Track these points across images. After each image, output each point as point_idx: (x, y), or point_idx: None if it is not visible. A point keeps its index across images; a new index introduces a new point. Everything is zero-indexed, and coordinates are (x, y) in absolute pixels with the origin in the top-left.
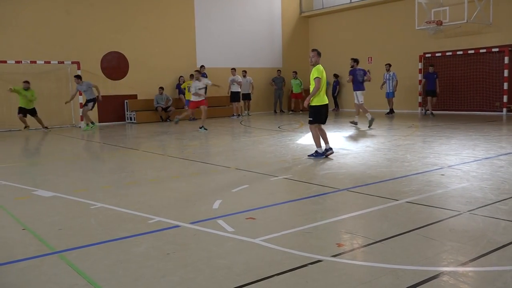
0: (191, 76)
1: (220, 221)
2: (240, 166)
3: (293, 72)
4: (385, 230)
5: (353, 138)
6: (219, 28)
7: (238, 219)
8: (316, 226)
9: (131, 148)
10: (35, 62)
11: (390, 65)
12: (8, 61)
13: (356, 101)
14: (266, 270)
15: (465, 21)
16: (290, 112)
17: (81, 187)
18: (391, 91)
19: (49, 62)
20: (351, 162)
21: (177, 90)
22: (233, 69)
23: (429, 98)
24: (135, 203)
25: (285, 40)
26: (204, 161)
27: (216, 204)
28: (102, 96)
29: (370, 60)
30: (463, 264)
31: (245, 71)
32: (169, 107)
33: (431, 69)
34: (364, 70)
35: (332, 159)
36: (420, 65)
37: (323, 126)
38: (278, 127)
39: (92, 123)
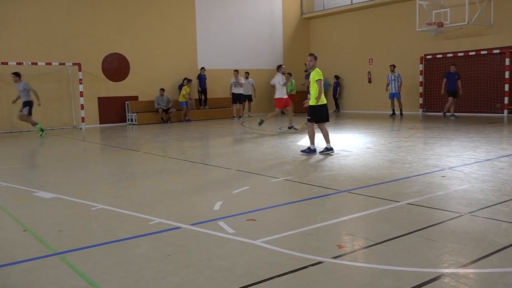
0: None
1: (220, 223)
2: (241, 167)
3: (288, 73)
4: (386, 231)
5: (354, 139)
6: (220, 29)
7: (238, 221)
8: (317, 227)
9: (132, 149)
10: (36, 63)
11: (394, 66)
12: (9, 63)
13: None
14: (267, 272)
15: (466, 22)
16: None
17: (82, 189)
18: (396, 92)
19: (50, 64)
20: (352, 164)
21: (179, 91)
22: (236, 70)
23: (450, 98)
24: (136, 204)
25: (286, 42)
26: (205, 163)
27: (216, 206)
28: (103, 97)
29: (371, 61)
30: (464, 265)
31: (247, 73)
32: (170, 108)
33: (452, 69)
34: None
35: (332, 160)
36: (421, 67)
37: (326, 125)
38: (279, 129)
39: (42, 130)
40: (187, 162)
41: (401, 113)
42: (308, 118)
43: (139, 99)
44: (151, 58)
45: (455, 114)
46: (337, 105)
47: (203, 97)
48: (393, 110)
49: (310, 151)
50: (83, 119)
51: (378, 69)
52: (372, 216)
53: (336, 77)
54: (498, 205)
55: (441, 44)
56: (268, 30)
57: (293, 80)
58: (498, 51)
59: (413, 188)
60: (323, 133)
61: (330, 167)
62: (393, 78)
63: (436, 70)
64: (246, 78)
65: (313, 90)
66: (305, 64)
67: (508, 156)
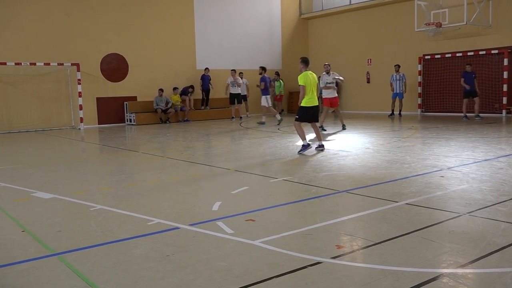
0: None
1: (219, 223)
2: (240, 167)
3: (275, 73)
4: (384, 232)
5: (353, 139)
6: (219, 30)
7: (237, 221)
8: (316, 228)
9: (131, 149)
10: (34, 64)
11: (399, 66)
12: (8, 63)
13: (265, 104)
14: (266, 272)
15: (465, 23)
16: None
17: (81, 189)
18: (400, 92)
19: (48, 64)
20: (350, 164)
21: (180, 92)
22: (233, 70)
23: (465, 100)
24: (134, 205)
25: (284, 42)
26: (204, 163)
27: (215, 206)
28: (102, 97)
29: (369, 62)
30: (463, 266)
31: (241, 73)
32: (168, 108)
33: (468, 68)
34: (269, 78)
35: (331, 160)
36: (419, 67)
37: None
38: (278, 129)
39: None
40: (185, 162)
41: (400, 114)
42: (296, 118)
43: (138, 99)
44: (150, 59)
45: (467, 115)
46: None
47: (205, 97)
48: (393, 110)
49: (304, 147)
50: (81, 120)
51: (377, 69)
52: (371, 216)
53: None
54: (497, 205)
55: (439, 44)
56: (267, 30)
57: (281, 80)
58: (496, 51)
59: (412, 188)
60: (315, 132)
61: (328, 167)
62: (397, 78)
63: (435, 71)
64: (241, 78)
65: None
66: (260, 67)
67: (507, 156)
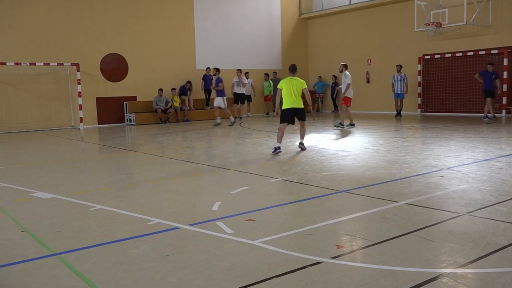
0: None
1: (219, 223)
2: (240, 168)
3: (264, 74)
4: (384, 231)
5: (353, 139)
6: (219, 29)
7: (237, 221)
8: (316, 228)
9: (130, 150)
10: (34, 64)
11: (401, 66)
12: (7, 63)
13: (221, 105)
14: (265, 272)
15: (464, 23)
16: (266, 115)
17: (80, 189)
18: (401, 92)
19: (48, 64)
20: (350, 164)
21: (179, 91)
22: (239, 70)
23: (488, 99)
24: (134, 205)
25: (284, 42)
26: (203, 163)
27: (215, 206)
28: (102, 97)
29: (369, 61)
30: (463, 265)
31: (247, 73)
32: (168, 108)
33: (490, 68)
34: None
35: (331, 160)
36: (419, 67)
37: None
38: (278, 129)
39: None
40: (185, 162)
41: (399, 114)
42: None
43: (138, 99)
44: (150, 59)
45: (495, 115)
46: (335, 106)
47: (208, 97)
48: (397, 111)
49: (275, 149)
50: (81, 120)
51: (377, 69)
52: (370, 216)
53: (334, 77)
54: (497, 205)
55: (439, 44)
56: (267, 30)
57: (270, 81)
58: (496, 51)
59: (412, 188)
60: (300, 131)
61: (328, 167)
62: (398, 79)
63: (435, 71)
64: (247, 78)
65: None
66: (214, 68)
67: (506, 156)
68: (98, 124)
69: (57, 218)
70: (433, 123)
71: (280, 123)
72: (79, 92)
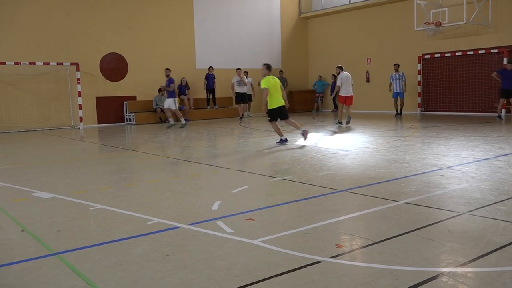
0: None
1: (219, 222)
2: (239, 167)
3: (244, 72)
4: (384, 231)
5: (352, 139)
6: (218, 29)
7: (237, 220)
8: (315, 227)
9: (130, 149)
10: (34, 63)
11: (398, 65)
12: (7, 63)
13: (172, 107)
14: (265, 271)
15: (464, 22)
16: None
17: (80, 189)
18: (400, 91)
19: (48, 64)
20: (350, 163)
21: (178, 91)
22: (239, 69)
23: (502, 100)
24: (134, 204)
25: (284, 41)
26: (203, 162)
27: (215, 205)
28: (102, 97)
29: (369, 61)
30: (462, 265)
31: (246, 72)
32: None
33: (509, 66)
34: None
35: (330, 160)
36: (419, 66)
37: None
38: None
39: None
40: (185, 162)
41: (400, 112)
42: (269, 120)
43: (137, 99)
44: (149, 58)
45: (500, 115)
46: (335, 105)
47: (211, 96)
48: (397, 110)
49: (282, 141)
50: (81, 119)
51: (377, 68)
52: (370, 215)
53: (334, 76)
54: (496, 204)
55: (439, 43)
56: (267, 29)
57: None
58: (496, 50)
59: (412, 188)
60: (290, 124)
61: (328, 166)
62: (397, 78)
63: (435, 70)
64: (246, 77)
65: (269, 96)
66: (166, 69)
67: (506, 155)
68: (98, 124)
69: (57, 217)
70: (433, 123)
71: (271, 121)
72: (79, 92)
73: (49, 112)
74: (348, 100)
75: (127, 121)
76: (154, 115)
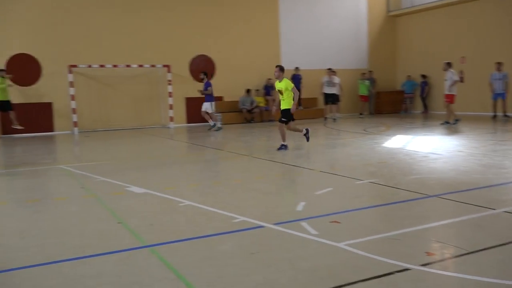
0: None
1: (303, 223)
2: (324, 168)
3: (362, 73)
4: (479, 240)
5: (444, 142)
6: (304, 28)
7: (321, 222)
8: (404, 233)
9: (217, 148)
10: (129, 65)
11: (501, 64)
12: (106, 65)
13: (209, 110)
14: (350, 276)
15: None
16: (361, 115)
17: (170, 185)
18: (502, 92)
19: (142, 66)
20: (441, 167)
21: (264, 91)
22: (329, 69)
23: None
24: (220, 202)
25: (371, 41)
26: (288, 163)
27: (299, 206)
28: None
29: (463, 60)
30: None
31: (334, 72)
32: (254, 108)
33: None
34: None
35: (420, 163)
36: None
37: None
38: (364, 130)
39: None
40: (270, 162)
41: (505, 115)
42: (283, 120)
43: (224, 99)
44: (236, 59)
45: None
46: (425, 106)
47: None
48: (496, 112)
49: (284, 146)
50: (171, 119)
51: (472, 68)
52: (464, 223)
53: (423, 76)
54: None
55: None
56: (353, 28)
57: (367, 80)
58: None
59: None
60: (284, 131)
61: (418, 170)
62: (498, 77)
63: None
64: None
65: (289, 97)
66: (202, 72)
67: None
68: (187, 123)
69: (149, 212)
70: None
71: (288, 122)
72: (170, 93)
73: (142, 112)
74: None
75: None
76: (240, 115)
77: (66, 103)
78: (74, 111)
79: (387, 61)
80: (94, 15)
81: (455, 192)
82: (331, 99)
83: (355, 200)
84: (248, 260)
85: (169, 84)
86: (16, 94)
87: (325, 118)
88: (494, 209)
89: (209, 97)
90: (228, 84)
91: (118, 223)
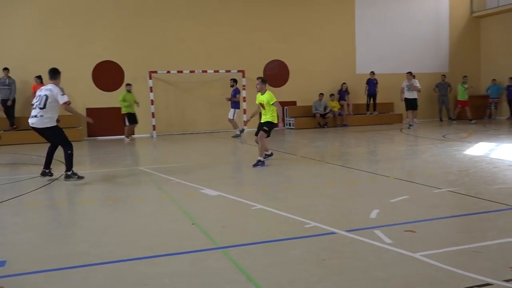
0: None
1: (377, 231)
2: (400, 175)
3: (464, 76)
4: None
5: None
6: (380, 32)
7: (396, 231)
8: (487, 245)
9: (289, 153)
10: (205, 71)
11: None
12: (184, 71)
13: (231, 117)
14: (427, 287)
15: None
16: (454, 121)
17: (243, 189)
18: None
19: (217, 71)
20: None
21: (339, 96)
22: (409, 73)
23: None
24: (292, 207)
25: (452, 44)
26: (362, 169)
27: (373, 214)
28: None
29: None
30: None
31: (414, 76)
32: (327, 113)
33: None
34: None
35: (505, 172)
36: None
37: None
38: (443, 136)
39: None
40: (343, 167)
41: None
42: (265, 129)
43: (297, 104)
44: (309, 64)
45: None
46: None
47: (371, 101)
48: None
49: (267, 156)
50: (245, 123)
51: None
52: None
53: (511, 79)
54: None
55: None
56: (432, 31)
57: (466, 85)
58: None
59: None
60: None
61: (503, 179)
62: None
63: None
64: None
65: (272, 110)
66: (231, 79)
67: None
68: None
69: (222, 214)
70: None
71: (267, 136)
72: (244, 97)
73: (217, 116)
74: None
75: (287, 125)
76: (313, 120)
77: (146, 108)
78: (153, 115)
79: (470, 64)
80: (173, 26)
81: None
82: (410, 105)
83: (433, 209)
84: (319, 266)
85: (244, 89)
86: (102, 99)
87: (410, 126)
88: None
89: (234, 104)
90: (302, 88)
91: (192, 224)
